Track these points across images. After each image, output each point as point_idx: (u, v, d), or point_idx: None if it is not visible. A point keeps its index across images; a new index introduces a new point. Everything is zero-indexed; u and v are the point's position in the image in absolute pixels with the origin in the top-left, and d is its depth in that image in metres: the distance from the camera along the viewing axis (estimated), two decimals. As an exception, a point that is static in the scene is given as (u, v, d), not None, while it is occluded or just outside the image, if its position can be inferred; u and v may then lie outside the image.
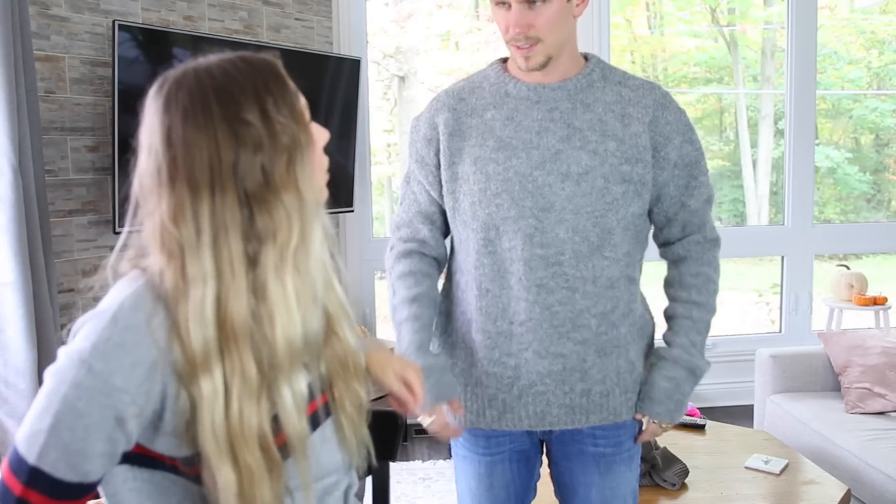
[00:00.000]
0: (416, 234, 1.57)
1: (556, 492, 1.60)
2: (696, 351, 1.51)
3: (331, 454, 1.04)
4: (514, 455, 1.55)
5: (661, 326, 1.58)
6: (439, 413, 1.49)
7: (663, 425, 1.52)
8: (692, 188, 1.49)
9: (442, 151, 1.49)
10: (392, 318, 1.55)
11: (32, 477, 0.87)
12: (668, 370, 1.50)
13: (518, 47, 1.40)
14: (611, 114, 1.43)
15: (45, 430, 0.86)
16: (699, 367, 1.53)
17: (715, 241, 1.56)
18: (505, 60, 1.53)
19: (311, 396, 1.00)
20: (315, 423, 1.01)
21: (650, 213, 1.52)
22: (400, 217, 1.60)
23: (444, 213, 1.55)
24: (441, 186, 1.51)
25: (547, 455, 1.59)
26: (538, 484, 1.64)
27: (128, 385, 0.86)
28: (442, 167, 1.50)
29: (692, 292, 1.52)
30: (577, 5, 1.42)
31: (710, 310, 1.54)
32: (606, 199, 1.42)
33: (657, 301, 1.59)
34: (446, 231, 1.58)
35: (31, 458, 0.87)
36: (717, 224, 4.84)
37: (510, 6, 1.37)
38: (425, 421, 1.49)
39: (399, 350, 1.50)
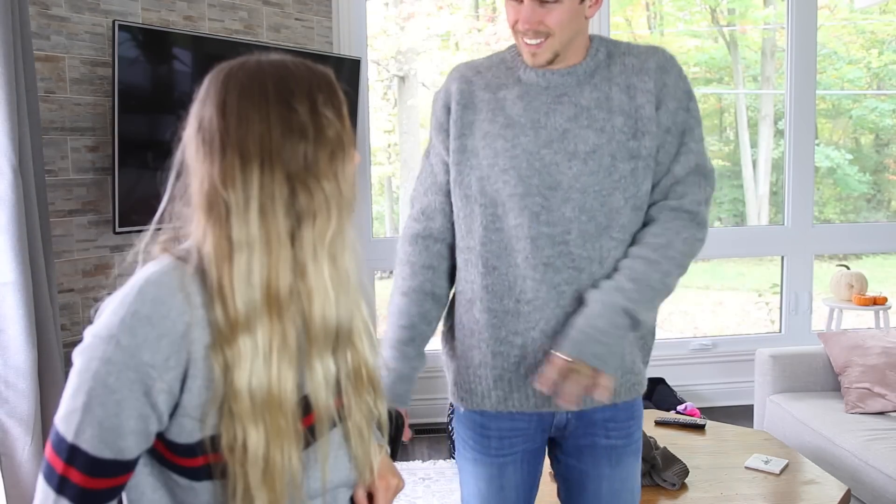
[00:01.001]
0: (428, 207, 1.54)
1: (559, 490, 1.60)
2: (617, 294, 1.38)
3: (340, 462, 1.05)
4: (526, 455, 1.54)
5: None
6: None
7: (568, 360, 1.36)
8: (680, 154, 1.46)
9: (453, 121, 1.49)
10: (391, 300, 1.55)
11: (71, 455, 0.90)
12: (583, 308, 1.41)
13: (526, 42, 1.41)
14: (616, 88, 1.44)
15: (79, 408, 0.89)
16: (611, 303, 1.38)
17: (692, 214, 1.45)
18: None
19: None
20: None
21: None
22: (416, 190, 1.58)
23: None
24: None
25: (551, 454, 1.59)
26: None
27: (155, 359, 0.88)
28: (451, 136, 1.50)
29: (644, 248, 1.43)
30: (590, 7, 1.43)
31: (660, 271, 1.41)
32: (613, 178, 1.42)
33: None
34: None
35: (69, 436, 0.89)
36: (716, 224, 4.85)
37: (522, 1, 1.38)
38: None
39: (384, 339, 1.50)
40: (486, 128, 1.46)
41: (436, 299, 1.53)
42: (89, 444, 0.89)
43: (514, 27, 1.42)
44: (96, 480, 0.90)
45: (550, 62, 1.43)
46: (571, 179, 1.41)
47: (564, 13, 1.38)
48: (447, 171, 1.52)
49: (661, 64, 1.46)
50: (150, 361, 0.87)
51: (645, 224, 1.48)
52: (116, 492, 0.93)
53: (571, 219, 1.41)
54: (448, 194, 1.53)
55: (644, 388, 1.54)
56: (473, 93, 1.49)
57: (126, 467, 0.92)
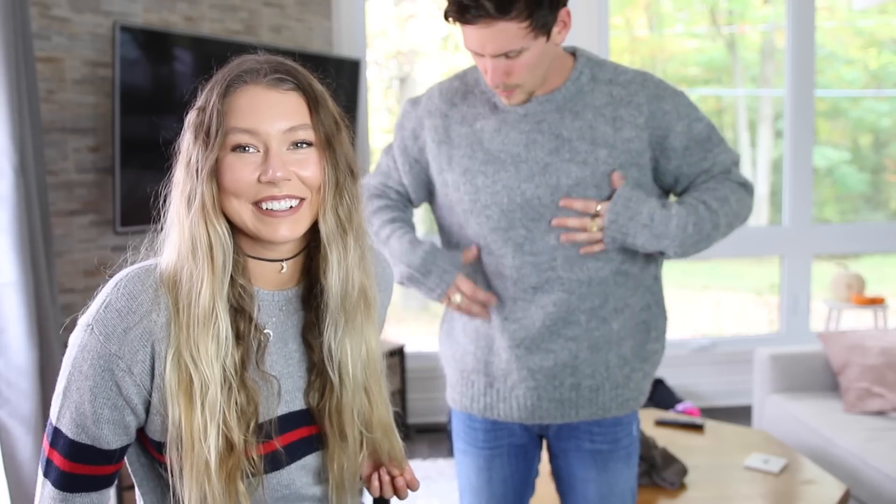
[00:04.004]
0: (384, 191, 1.61)
1: (556, 487, 1.61)
2: (674, 225, 1.40)
3: (310, 485, 1.05)
4: (513, 449, 1.56)
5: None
6: (462, 281, 1.46)
7: (598, 215, 1.39)
8: (711, 158, 1.47)
9: (432, 157, 1.51)
10: (379, 245, 1.55)
11: (54, 437, 0.93)
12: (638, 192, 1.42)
13: (498, 91, 1.39)
14: (601, 119, 1.40)
15: (61, 392, 0.93)
16: (661, 217, 1.40)
17: (742, 183, 1.50)
18: None
19: (299, 424, 1.02)
20: (300, 450, 1.02)
21: (668, 192, 1.52)
22: (371, 179, 1.64)
23: (407, 196, 1.61)
24: (413, 178, 1.57)
25: (547, 450, 1.60)
26: (538, 481, 1.65)
27: (122, 351, 0.90)
28: (433, 172, 1.52)
29: (706, 195, 1.45)
30: (559, 33, 1.35)
31: (713, 222, 1.42)
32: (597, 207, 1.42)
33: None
34: (410, 204, 1.64)
35: (53, 419, 0.94)
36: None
37: (485, 56, 1.33)
38: (455, 300, 1.47)
39: (395, 258, 1.51)
40: (465, 164, 1.45)
41: (413, 228, 1.60)
42: (68, 428, 0.92)
43: (485, 76, 1.37)
44: (75, 465, 0.92)
45: (526, 101, 1.41)
46: (555, 211, 1.41)
47: (532, 58, 1.32)
48: (400, 185, 1.60)
49: (652, 93, 1.42)
50: (117, 352, 0.90)
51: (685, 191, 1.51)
52: (98, 482, 0.95)
53: (556, 246, 1.42)
54: (400, 195, 1.61)
55: (640, 403, 1.53)
56: (449, 127, 1.48)
57: (106, 457, 0.94)
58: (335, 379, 1.00)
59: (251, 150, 0.92)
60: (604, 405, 1.48)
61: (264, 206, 0.92)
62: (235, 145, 0.91)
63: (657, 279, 1.54)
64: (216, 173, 0.92)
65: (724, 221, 1.45)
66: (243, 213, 0.93)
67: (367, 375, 1.02)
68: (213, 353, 0.91)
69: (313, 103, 0.95)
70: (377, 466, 1.10)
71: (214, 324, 0.91)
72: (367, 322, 1.01)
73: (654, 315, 1.53)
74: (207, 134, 0.91)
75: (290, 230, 0.93)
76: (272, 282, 1.00)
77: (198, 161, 0.91)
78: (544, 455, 1.63)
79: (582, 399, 1.47)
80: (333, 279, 0.97)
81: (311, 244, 1.00)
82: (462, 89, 1.51)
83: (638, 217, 1.39)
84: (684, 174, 1.47)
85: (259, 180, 0.91)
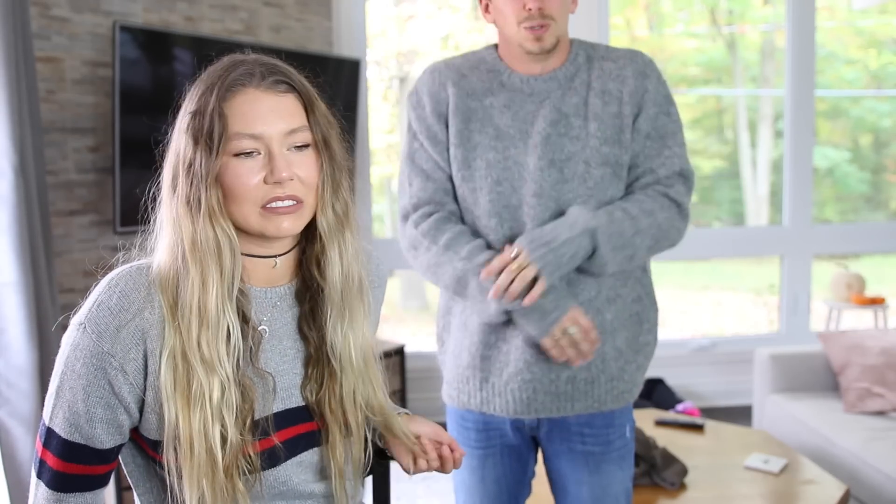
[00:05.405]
0: (441, 209, 1.50)
1: (551, 489, 1.62)
2: (591, 218, 1.39)
3: (307, 482, 1.05)
4: (505, 450, 1.56)
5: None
6: (578, 312, 1.39)
7: (513, 253, 1.38)
8: (663, 157, 1.47)
9: (453, 132, 1.48)
10: (464, 286, 1.44)
11: (47, 437, 0.94)
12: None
13: (532, 29, 1.41)
14: (592, 92, 1.46)
15: (54, 392, 0.93)
16: (582, 221, 1.39)
17: (678, 204, 1.46)
18: (497, 47, 1.54)
19: (297, 420, 1.02)
20: (297, 447, 1.02)
21: None
22: (417, 198, 1.50)
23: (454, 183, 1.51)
24: (450, 163, 1.50)
25: (541, 452, 1.61)
26: (535, 482, 1.65)
27: (115, 349, 0.90)
28: (452, 145, 1.48)
29: (628, 203, 1.44)
30: (574, 1, 1.47)
31: (635, 227, 1.40)
32: (588, 185, 1.43)
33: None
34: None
35: (46, 419, 0.94)
36: (715, 224, 4.85)
37: None
38: (570, 330, 1.38)
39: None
40: (476, 139, 1.46)
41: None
42: (61, 428, 0.92)
43: (519, 15, 1.41)
44: (69, 465, 0.93)
45: (554, 47, 1.44)
46: (550, 188, 1.43)
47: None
48: (449, 179, 1.50)
49: (639, 69, 1.47)
50: (110, 351, 0.90)
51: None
52: (92, 482, 0.95)
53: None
54: (455, 200, 1.51)
55: (634, 396, 1.53)
56: (464, 100, 1.48)
57: (99, 456, 0.94)
58: (337, 368, 1.01)
59: (254, 154, 0.93)
60: (599, 398, 1.49)
61: (269, 205, 0.94)
62: (239, 150, 0.92)
63: (646, 271, 1.55)
64: (218, 177, 0.92)
65: (650, 233, 1.43)
66: (250, 216, 0.94)
67: (367, 363, 1.04)
68: (224, 353, 0.92)
69: (309, 104, 0.97)
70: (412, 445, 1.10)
71: (222, 326, 0.92)
72: (363, 311, 1.04)
73: (645, 307, 1.54)
74: (210, 138, 0.91)
75: (292, 224, 0.95)
76: (264, 279, 1.01)
77: (201, 166, 0.91)
78: (541, 456, 1.63)
79: (577, 392, 1.48)
80: (335, 273, 0.99)
81: (302, 241, 1.02)
82: (466, 64, 1.53)
83: (547, 226, 1.40)
84: (636, 164, 1.48)
85: (265, 181, 0.93)
